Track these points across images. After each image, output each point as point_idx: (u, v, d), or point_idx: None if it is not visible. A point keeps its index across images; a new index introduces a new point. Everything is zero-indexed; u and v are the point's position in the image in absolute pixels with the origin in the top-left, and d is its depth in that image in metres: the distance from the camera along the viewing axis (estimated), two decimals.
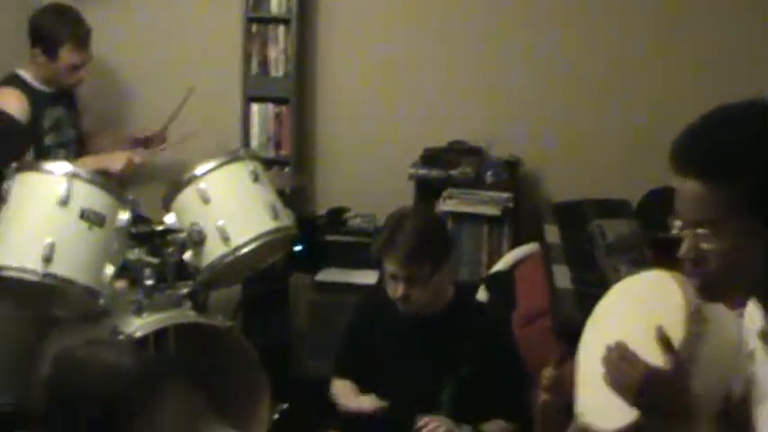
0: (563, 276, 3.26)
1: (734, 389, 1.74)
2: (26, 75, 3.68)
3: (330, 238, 4.17)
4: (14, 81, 3.65)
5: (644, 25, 4.14)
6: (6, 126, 2.98)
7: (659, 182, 3.49)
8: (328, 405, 2.93)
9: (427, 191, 3.99)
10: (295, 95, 4.25)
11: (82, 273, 2.78)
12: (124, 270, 2.97)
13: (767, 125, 1.54)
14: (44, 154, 3.62)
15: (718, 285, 1.62)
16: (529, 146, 4.21)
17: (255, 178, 3.07)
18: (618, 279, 2.13)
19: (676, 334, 1.71)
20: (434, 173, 4.00)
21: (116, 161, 3.55)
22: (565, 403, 2.02)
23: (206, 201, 2.99)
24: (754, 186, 1.51)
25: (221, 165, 3.05)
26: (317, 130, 4.44)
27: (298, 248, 3.83)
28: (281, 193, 3.29)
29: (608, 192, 3.93)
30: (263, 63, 4.24)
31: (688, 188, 1.57)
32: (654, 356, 1.70)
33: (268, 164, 3.70)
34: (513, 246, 3.78)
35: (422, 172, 4.02)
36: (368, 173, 4.33)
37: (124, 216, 2.89)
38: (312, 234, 4.08)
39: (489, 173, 3.98)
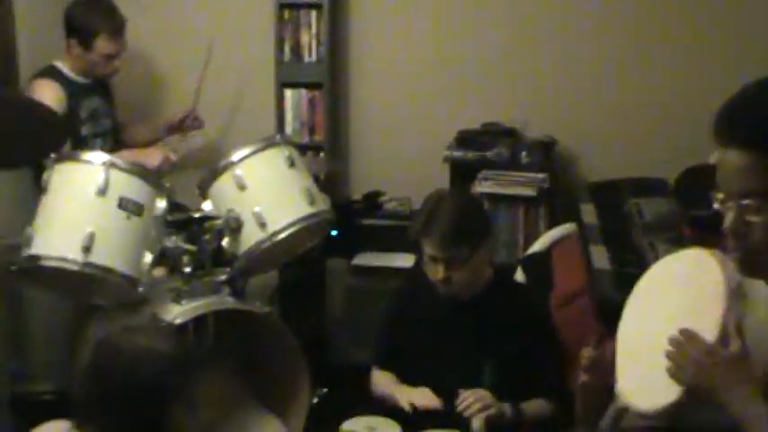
0: (600, 256, 3.24)
1: None
2: (62, 66, 3.72)
3: (366, 222, 4.18)
4: (51, 72, 3.69)
5: None
6: (44, 117, 3.00)
7: (696, 159, 3.44)
8: (366, 390, 2.94)
9: (462, 173, 3.96)
10: (328, 80, 4.24)
11: (121, 261, 2.80)
12: (162, 258, 2.98)
13: None
14: (81, 144, 3.65)
15: (762, 259, 1.60)
16: (564, 126, 4.18)
17: (291, 164, 3.07)
18: (656, 258, 2.12)
19: (717, 311, 1.70)
20: (469, 155, 3.98)
21: (152, 158, 3.57)
22: (604, 384, 2.01)
23: (242, 187, 2.99)
24: None
25: (257, 151, 3.04)
26: (351, 115, 4.43)
27: (334, 233, 3.84)
28: (315, 179, 3.29)
29: (644, 170, 3.88)
30: (296, 49, 4.23)
31: (733, 159, 1.56)
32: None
33: (302, 149, 3.70)
34: (550, 226, 3.76)
35: (457, 154, 3.99)
36: (402, 156, 4.32)
37: (161, 204, 2.90)
38: (348, 219, 4.09)
39: (524, 153, 3.96)
